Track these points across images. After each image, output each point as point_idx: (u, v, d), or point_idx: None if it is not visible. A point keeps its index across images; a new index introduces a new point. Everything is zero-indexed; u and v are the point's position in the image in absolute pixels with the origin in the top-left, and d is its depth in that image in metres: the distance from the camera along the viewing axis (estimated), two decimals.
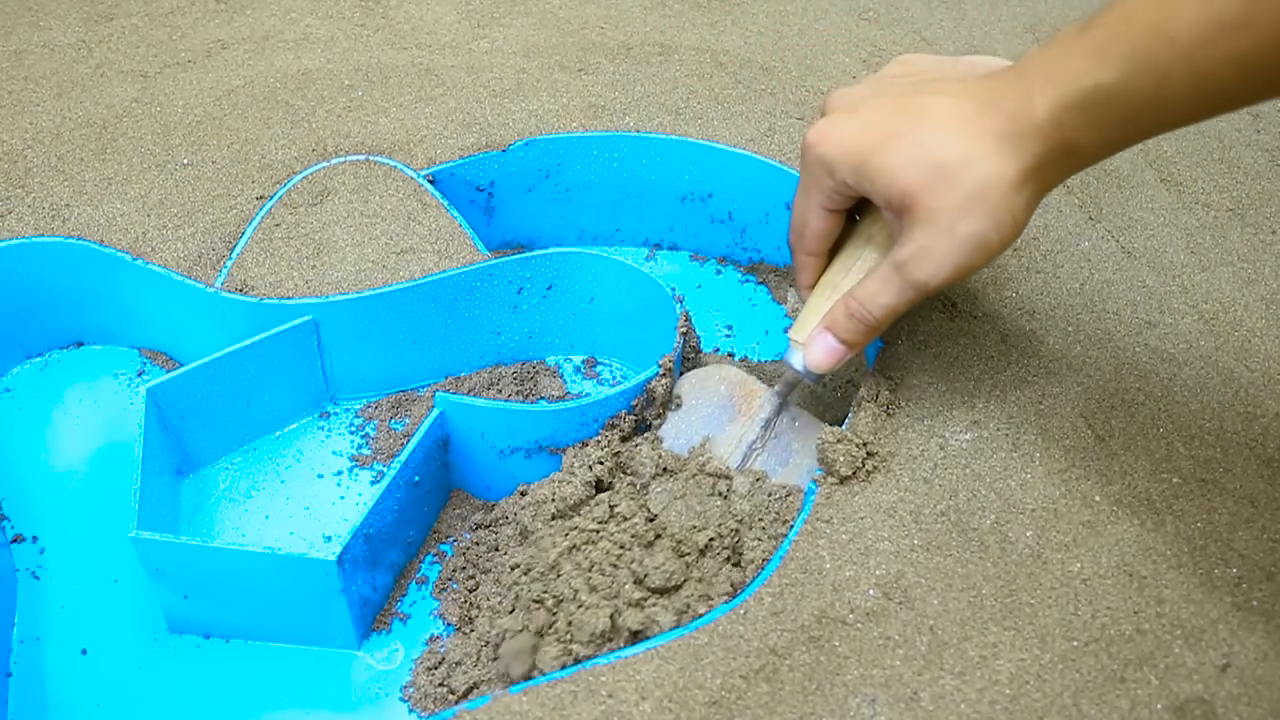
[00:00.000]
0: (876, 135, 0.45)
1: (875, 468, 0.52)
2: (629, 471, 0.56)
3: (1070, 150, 0.42)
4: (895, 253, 0.46)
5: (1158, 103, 0.38)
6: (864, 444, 0.52)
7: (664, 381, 0.58)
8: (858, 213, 0.53)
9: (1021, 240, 0.68)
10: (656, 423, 0.58)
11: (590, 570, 0.49)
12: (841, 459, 0.51)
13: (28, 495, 0.61)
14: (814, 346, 0.51)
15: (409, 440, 0.56)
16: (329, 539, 0.59)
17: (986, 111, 0.43)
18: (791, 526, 0.50)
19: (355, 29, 0.87)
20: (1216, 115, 0.39)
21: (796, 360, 0.53)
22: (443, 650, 0.53)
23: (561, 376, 0.68)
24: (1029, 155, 0.42)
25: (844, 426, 0.54)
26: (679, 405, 0.59)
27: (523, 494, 0.57)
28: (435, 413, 0.57)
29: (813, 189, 0.50)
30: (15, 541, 0.59)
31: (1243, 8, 0.34)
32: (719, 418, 0.57)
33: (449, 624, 0.55)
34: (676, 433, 0.58)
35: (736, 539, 0.51)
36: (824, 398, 0.67)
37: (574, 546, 0.50)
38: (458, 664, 0.51)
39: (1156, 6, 0.37)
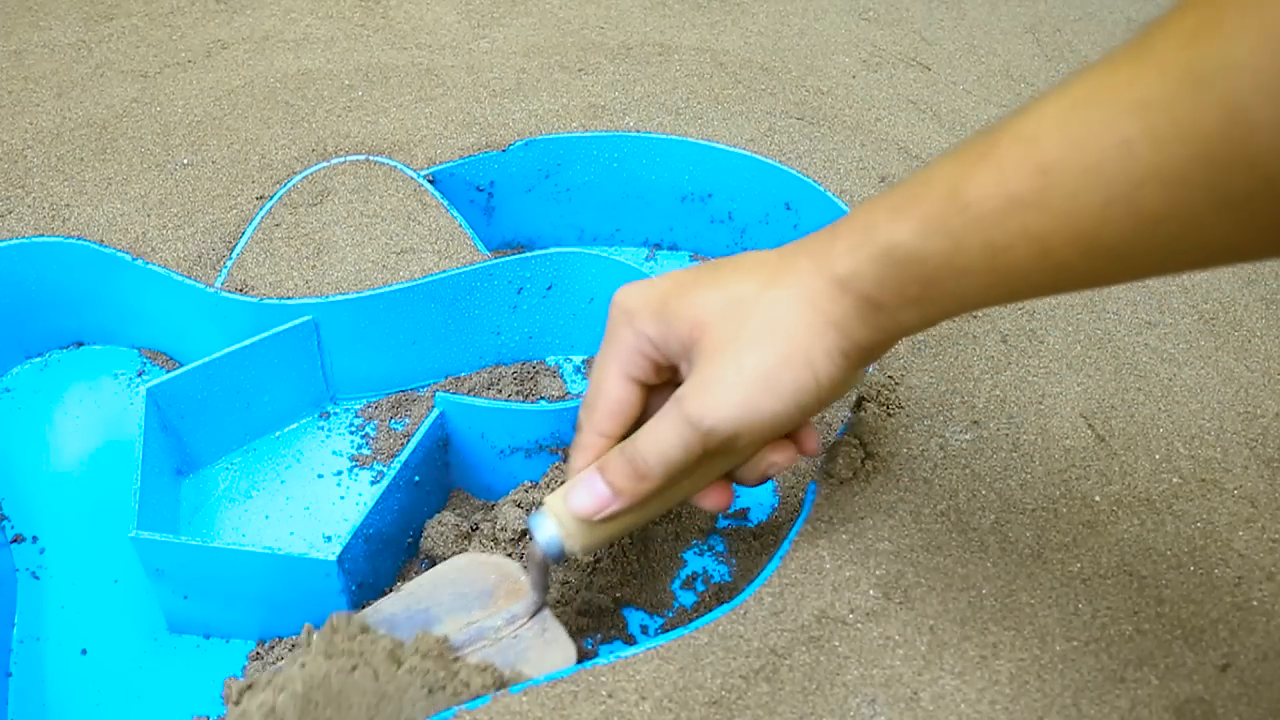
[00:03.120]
0: (680, 284, 0.42)
1: (875, 468, 0.52)
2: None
3: (873, 306, 0.38)
4: (680, 390, 0.41)
5: (954, 271, 0.36)
6: (863, 444, 0.52)
7: None
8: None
9: None
10: (396, 587, 0.53)
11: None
12: (841, 461, 0.51)
13: (28, 495, 0.61)
14: (579, 487, 0.43)
15: (409, 440, 0.56)
16: (329, 539, 0.59)
17: (789, 260, 0.40)
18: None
19: (355, 29, 0.87)
20: (1022, 298, 0.37)
21: (543, 529, 0.44)
22: None
23: (561, 376, 0.68)
24: (829, 304, 0.39)
25: (844, 427, 0.54)
26: (437, 582, 0.51)
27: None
28: (435, 413, 0.57)
29: (611, 347, 0.43)
30: (15, 541, 0.59)
31: (1038, 186, 0.32)
32: (474, 603, 0.50)
33: None
34: (416, 601, 0.50)
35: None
36: None
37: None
38: None
39: (956, 171, 0.35)
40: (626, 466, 0.42)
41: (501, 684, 0.45)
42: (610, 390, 0.43)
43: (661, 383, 0.44)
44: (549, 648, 0.48)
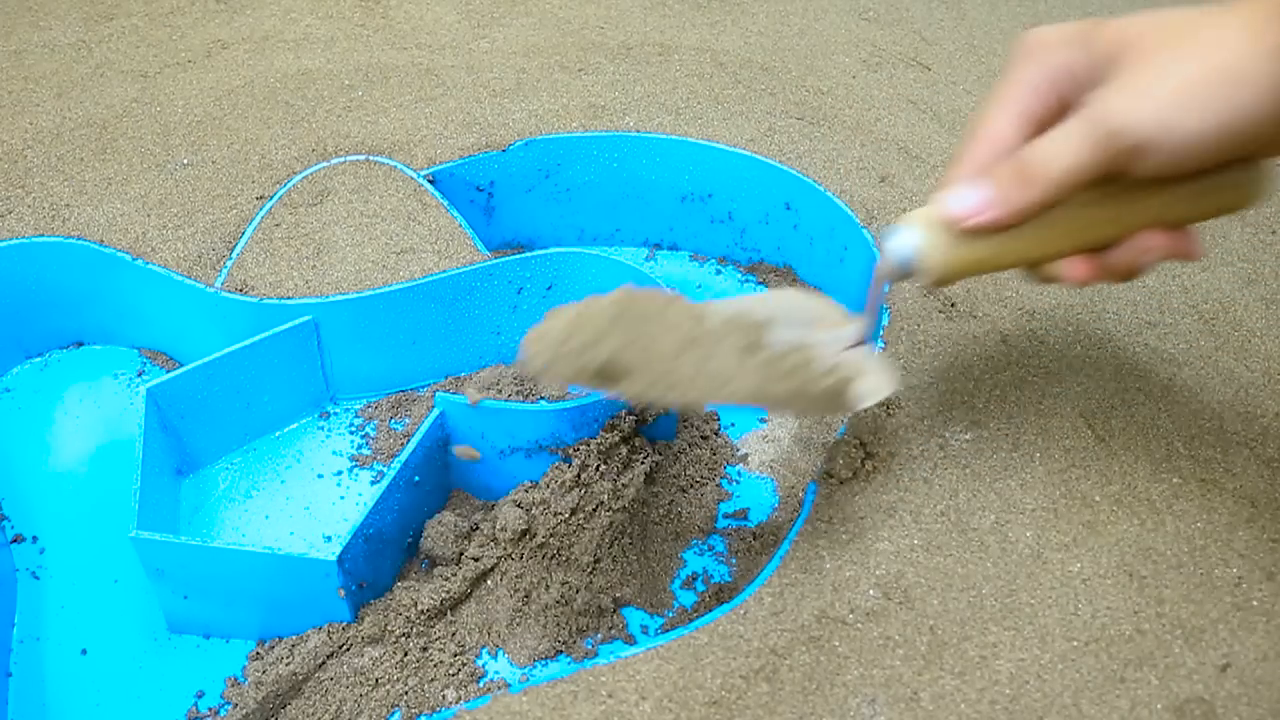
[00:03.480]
0: (1099, 21, 0.38)
1: (875, 468, 0.52)
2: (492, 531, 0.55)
3: None
4: (1088, 98, 0.37)
5: None
6: (863, 444, 0.52)
7: None
8: None
9: None
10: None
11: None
12: (841, 461, 0.51)
13: (28, 495, 0.61)
14: (958, 190, 0.39)
15: (409, 440, 0.56)
16: (329, 539, 0.59)
17: (1245, 3, 0.36)
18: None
19: (355, 29, 0.87)
20: None
21: (900, 234, 0.39)
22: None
23: None
24: None
25: (843, 429, 0.54)
26: (758, 300, 0.47)
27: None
28: (435, 413, 0.57)
29: (1008, 83, 0.39)
30: (15, 541, 0.59)
31: None
32: (794, 323, 0.47)
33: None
34: (740, 307, 0.47)
35: None
36: None
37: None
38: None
39: None
40: (1016, 168, 0.38)
41: (833, 375, 0.42)
42: (998, 126, 0.39)
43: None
44: (874, 372, 0.45)
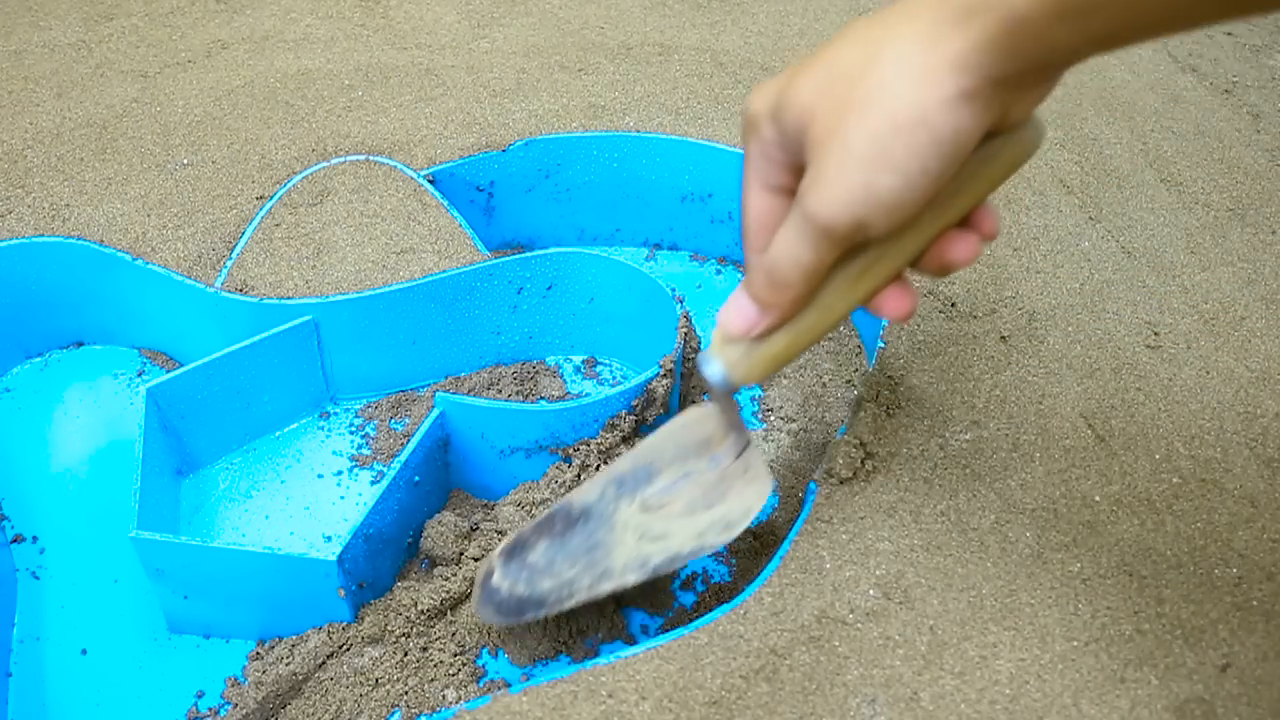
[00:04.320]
0: (794, 72, 0.37)
1: (875, 468, 0.52)
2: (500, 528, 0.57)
3: (1014, 22, 0.32)
4: (799, 187, 0.37)
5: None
6: (863, 444, 0.52)
7: (664, 382, 0.58)
8: None
9: (1021, 240, 0.68)
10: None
11: None
12: (841, 461, 0.51)
13: (28, 495, 0.61)
14: (726, 307, 0.41)
15: (409, 440, 0.56)
16: (329, 539, 0.59)
17: (902, 5, 0.35)
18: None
19: (355, 29, 0.87)
20: (1194, 24, 0.31)
21: (709, 365, 0.42)
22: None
23: (561, 376, 0.68)
24: (948, 40, 0.33)
25: (843, 429, 0.54)
26: (665, 435, 0.50)
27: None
28: (435, 413, 0.57)
29: (746, 162, 0.41)
30: (15, 541, 0.59)
31: None
32: (688, 453, 0.50)
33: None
34: (644, 457, 0.50)
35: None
36: (824, 397, 0.67)
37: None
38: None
39: None
40: (763, 277, 0.39)
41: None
42: (752, 205, 0.40)
43: None
44: (747, 485, 0.47)
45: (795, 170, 0.39)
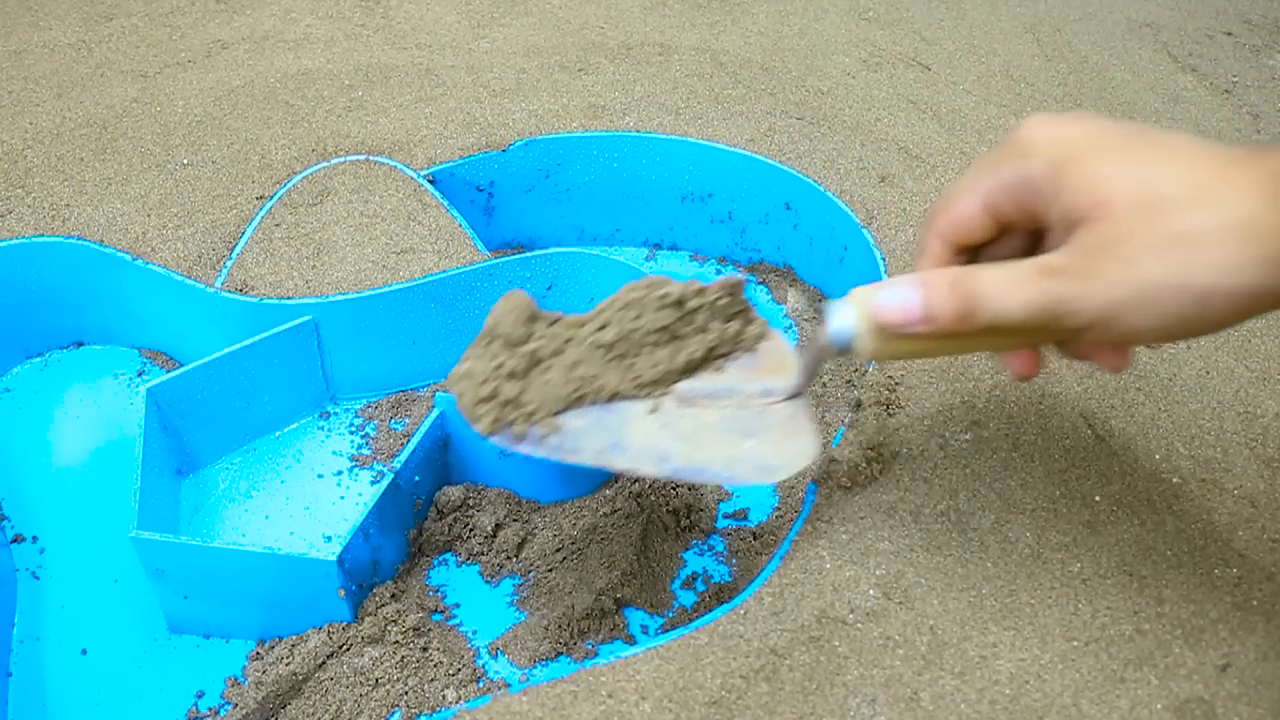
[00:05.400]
0: (1099, 143, 0.36)
1: (875, 468, 0.52)
2: None
3: None
4: (1048, 255, 0.36)
5: None
6: (865, 447, 0.52)
7: None
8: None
9: None
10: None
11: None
12: (841, 461, 0.51)
13: (28, 495, 0.61)
14: (893, 288, 0.39)
15: (409, 440, 0.56)
16: (329, 539, 0.59)
17: (1230, 168, 0.34)
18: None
19: (355, 29, 0.87)
20: None
21: (840, 315, 0.40)
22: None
23: None
24: (1270, 237, 0.33)
25: (843, 429, 0.54)
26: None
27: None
28: (435, 413, 0.57)
29: (988, 171, 0.39)
30: (15, 541, 0.59)
31: None
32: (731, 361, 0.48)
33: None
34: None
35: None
36: (824, 397, 0.67)
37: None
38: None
39: None
40: (954, 300, 0.37)
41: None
42: (964, 209, 0.40)
43: (1011, 229, 0.40)
44: (792, 435, 0.45)
45: (1021, 217, 0.39)
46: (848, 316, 0.40)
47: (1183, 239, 0.33)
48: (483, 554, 0.58)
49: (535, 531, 0.59)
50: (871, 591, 0.47)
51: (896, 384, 0.56)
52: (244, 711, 0.50)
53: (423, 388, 0.67)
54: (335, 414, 0.66)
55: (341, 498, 0.61)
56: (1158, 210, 0.34)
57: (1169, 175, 0.34)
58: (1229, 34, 0.97)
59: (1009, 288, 0.36)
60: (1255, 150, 0.34)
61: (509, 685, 0.52)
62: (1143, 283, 0.34)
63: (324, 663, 0.52)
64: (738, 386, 0.46)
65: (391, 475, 0.54)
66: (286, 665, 0.52)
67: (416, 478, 0.56)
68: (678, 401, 0.45)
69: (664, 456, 0.44)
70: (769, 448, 0.44)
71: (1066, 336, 0.37)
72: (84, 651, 0.54)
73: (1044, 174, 0.37)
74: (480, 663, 0.53)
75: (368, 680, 0.52)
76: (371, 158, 0.70)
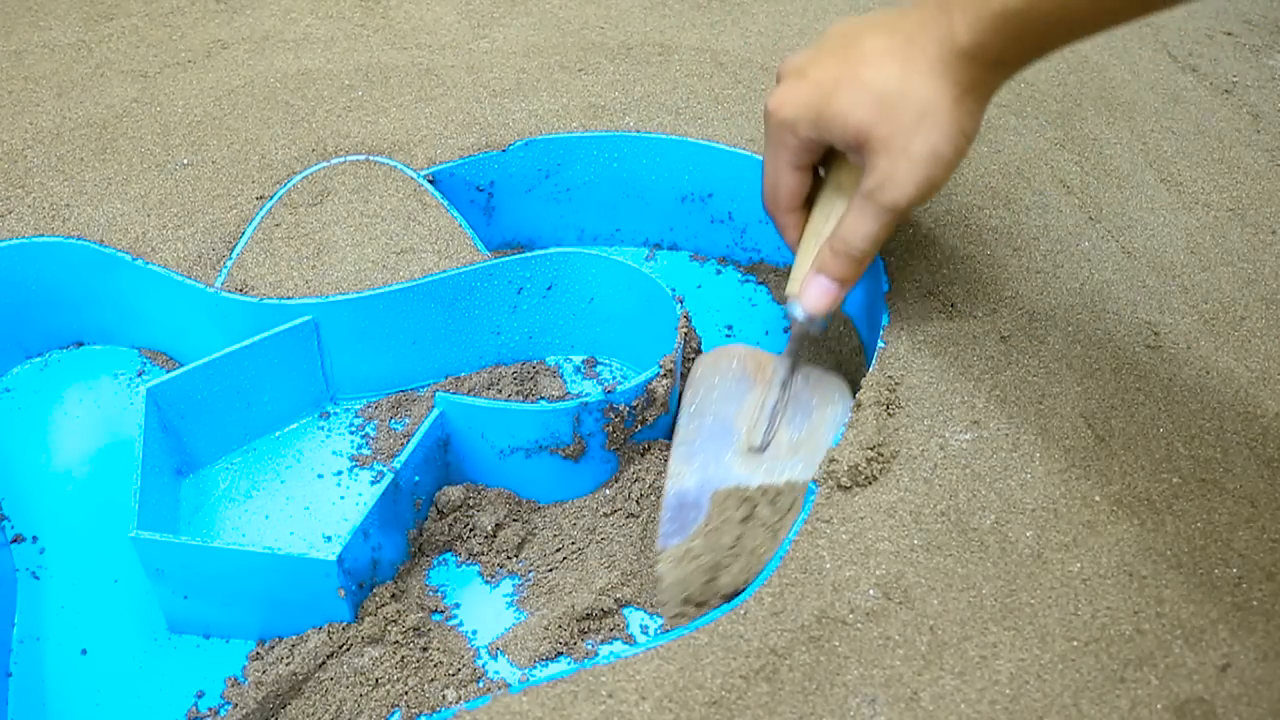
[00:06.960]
0: (825, 88, 0.50)
1: (875, 468, 0.52)
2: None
3: (997, 64, 0.47)
4: (863, 186, 0.50)
5: (1064, 18, 0.44)
6: (865, 447, 0.52)
7: (664, 382, 0.58)
8: (823, 167, 0.57)
9: (1021, 240, 0.68)
10: (684, 408, 0.59)
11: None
12: (841, 461, 0.51)
13: (28, 495, 0.61)
14: (809, 290, 0.54)
15: (409, 440, 0.56)
16: (329, 539, 0.59)
17: (915, 42, 0.48)
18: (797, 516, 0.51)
19: (355, 29, 0.87)
20: (1122, 23, 0.44)
21: (797, 311, 0.54)
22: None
23: (561, 376, 0.68)
24: (962, 75, 0.47)
25: (842, 429, 0.54)
26: (697, 387, 0.59)
27: None
28: (435, 413, 0.57)
29: (780, 150, 0.54)
30: (15, 541, 0.59)
31: None
32: (737, 391, 0.58)
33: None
34: (700, 411, 0.58)
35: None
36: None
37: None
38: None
39: None
40: (843, 260, 0.52)
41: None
42: (786, 180, 0.55)
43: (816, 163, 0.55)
44: (822, 382, 0.59)
45: (815, 156, 0.54)
46: (800, 311, 0.54)
47: (919, 118, 0.48)
48: (483, 554, 0.58)
49: (535, 531, 0.59)
50: (871, 591, 0.47)
51: (897, 384, 0.56)
52: (244, 711, 0.50)
53: (423, 388, 0.67)
54: (335, 414, 0.66)
55: (341, 498, 0.61)
56: (891, 111, 0.48)
57: (881, 79, 0.48)
58: (1229, 34, 0.97)
59: (864, 221, 0.51)
60: (913, 20, 0.48)
61: (509, 685, 0.52)
62: (922, 155, 0.48)
63: (324, 663, 0.52)
64: (768, 402, 0.56)
65: (391, 475, 0.54)
66: (286, 665, 0.52)
67: (416, 478, 0.56)
68: (750, 451, 0.55)
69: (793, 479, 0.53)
70: (829, 408, 0.57)
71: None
72: (84, 651, 0.54)
73: (813, 132, 0.51)
74: (480, 663, 0.53)
75: (368, 680, 0.52)
76: (371, 158, 0.70)
